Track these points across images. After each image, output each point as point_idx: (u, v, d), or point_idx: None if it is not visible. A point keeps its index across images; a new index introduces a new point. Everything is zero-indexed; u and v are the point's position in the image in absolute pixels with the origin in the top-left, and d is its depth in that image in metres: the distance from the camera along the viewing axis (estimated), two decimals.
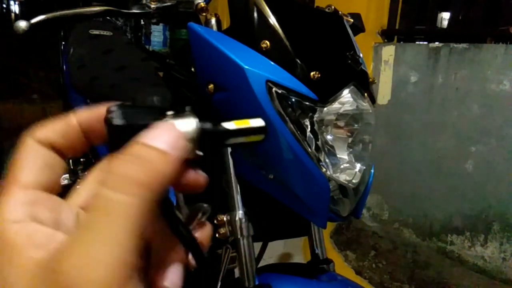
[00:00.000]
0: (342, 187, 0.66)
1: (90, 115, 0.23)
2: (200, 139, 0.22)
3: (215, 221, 0.68)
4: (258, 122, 0.24)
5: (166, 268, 0.22)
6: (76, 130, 0.23)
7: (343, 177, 0.65)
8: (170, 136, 0.21)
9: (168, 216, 0.22)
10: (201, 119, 0.23)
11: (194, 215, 0.25)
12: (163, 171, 0.20)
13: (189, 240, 0.22)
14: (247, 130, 0.24)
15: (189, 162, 0.23)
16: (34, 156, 0.22)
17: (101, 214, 0.18)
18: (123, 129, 0.21)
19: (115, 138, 0.21)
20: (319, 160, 0.62)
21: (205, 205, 0.25)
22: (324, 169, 0.62)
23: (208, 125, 0.23)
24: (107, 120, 0.21)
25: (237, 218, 0.67)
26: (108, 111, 0.21)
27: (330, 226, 2.24)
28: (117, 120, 0.21)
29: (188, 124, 0.22)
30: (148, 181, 0.19)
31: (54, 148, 0.23)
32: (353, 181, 0.66)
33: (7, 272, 0.19)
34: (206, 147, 0.23)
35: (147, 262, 0.23)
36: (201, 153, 0.22)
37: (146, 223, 0.19)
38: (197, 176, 0.23)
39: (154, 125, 0.21)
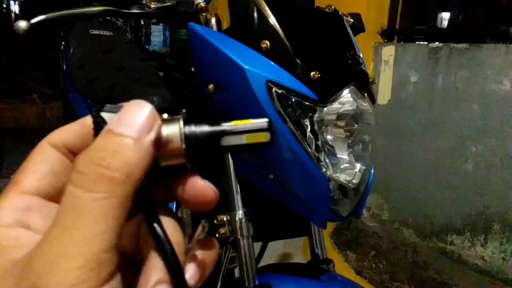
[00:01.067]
0: (342, 187, 0.66)
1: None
2: (188, 141, 0.20)
3: (215, 221, 0.68)
4: (261, 120, 0.21)
5: (154, 274, 0.20)
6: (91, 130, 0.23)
7: (343, 177, 0.65)
8: (139, 117, 0.19)
9: (144, 212, 0.20)
10: (195, 121, 0.21)
11: (194, 232, 0.23)
12: (134, 159, 0.19)
13: (163, 241, 0.20)
14: (246, 127, 0.21)
15: (193, 171, 0.21)
16: (42, 161, 0.22)
17: (70, 212, 0.18)
18: (99, 120, 0.20)
19: (96, 132, 0.20)
20: (319, 160, 0.62)
21: (204, 221, 0.23)
22: (324, 169, 0.62)
23: (200, 127, 0.21)
24: (91, 113, 0.21)
25: (237, 218, 0.67)
26: (93, 116, 0.20)
27: (330, 226, 2.24)
28: (95, 112, 0.20)
29: (172, 128, 0.20)
30: (118, 174, 0.18)
31: (71, 150, 0.22)
32: (353, 181, 0.66)
33: None
34: (197, 151, 0.21)
35: (134, 266, 0.22)
36: (186, 157, 0.21)
37: (122, 220, 0.18)
38: (205, 189, 0.22)
39: (123, 107, 0.20)
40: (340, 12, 0.74)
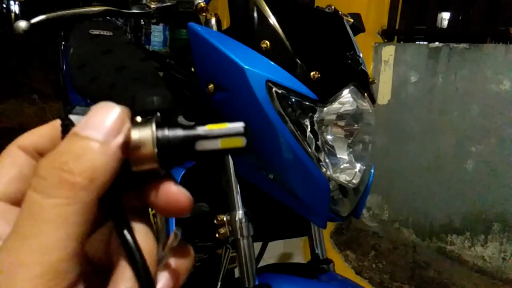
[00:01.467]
0: (342, 187, 0.66)
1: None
2: (160, 146, 0.20)
3: (215, 221, 0.68)
4: (237, 124, 0.21)
5: (122, 283, 0.19)
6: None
7: (343, 177, 0.65)
8: (106, 120, 0.18)
9: (113, 218, 0.19)
10: (169, 125, 0.20)
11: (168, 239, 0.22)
12: (99, 164, 0.18)
13: (132, 249, 0.19)
14: (221, 132, 0.20)
15: (168, 176, 0.21)
16: (10, 165, 0.21)
17: (28, 219, 0.17)
18: (67, 123, 0.20)
19: (64, 135, 0.19)
20: (319, 160, 0.62)
21: (176, 229, 0.22)
22: (324, 169, 0.62)
23: (173, 131, 0.20)
24: (59, 116, 0.20)
25: (237, 218, 0.67)
26: (61, 119, 0.20)
27: (330, 226, 2.24)
28: (63, 114, 0.20)
29: (144, 131, 0.20)
30: (81, 179, 0.17)
31: (40, 152, 0.21)
32: (353, 181, 0.66)
33: None
34: (171, 156, 0.20)
35: (104, 275, 0.20)
36: (158, 162, 0.20)
37: (85, 227, 0.17)
38: (179, 195, 0.21)
39: (91, 109, 0.19)
40: (340, 12, 0.74)
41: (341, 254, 2.09)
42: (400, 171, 2.09)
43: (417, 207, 2.03)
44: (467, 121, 1.83)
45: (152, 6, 0.74)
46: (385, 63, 2.11)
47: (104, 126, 0.18)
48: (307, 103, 0.61)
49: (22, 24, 0.67)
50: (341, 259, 2.06)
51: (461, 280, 1.80)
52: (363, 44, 1.75)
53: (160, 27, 3.74)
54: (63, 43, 1.47)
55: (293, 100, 0.60)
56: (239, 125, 0.21)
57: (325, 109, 0.63)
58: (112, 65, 1.19)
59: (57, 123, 0.21)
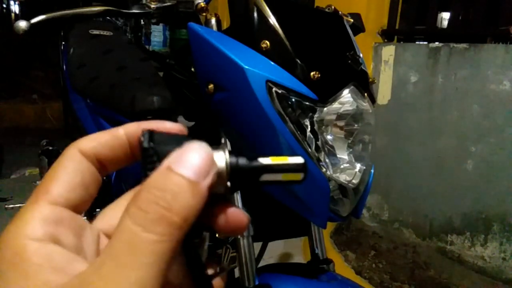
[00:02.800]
0: (342, 187, 0.66)
1: (138, 129, 0.22)
2: (232, 174, 0.21)
3: None
4: (297, 160, 0.22)
5: None
6: (123, 143, 0.22)
7: (343, 177, 0.65)
8: (198, 160, 0.19)
9: (189, 256, 0.21)
10: (235, 153, 0.21)
11: (213, 260, 0.23)
12: (193, 204, 0.18)
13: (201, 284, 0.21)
14: (284, 167, 0.22)
15: (226, 199, 0.22)
16: (73, 170, 0.21)
17: (126, 248, 0.17)
18: (152, 152, 0.20)
19: (145, 162, 0.20)
20: (319, 160, 0.62)
21: (204, 232, 0.23)
22: (324, 169, 0.62)
23: (241, 160, 0.21)
24: (140, 142, 0.21)
25: None
26: (142, 133, 0.21)
27: (330, 226, 2.24)
28: (147, 143, 0.20)
29: (219, 158, 0.21)
30: (178, 219, 0.18)
31: (99, 160, 0.22)
32: (353, 181, 0.66)
33: (22, 286, 0.17)
34: (239, 183, 0.21)
35: None
36: (228, 188, 0.21)
37: (171, 262, 0.18)
38: (240, 217, 0.22)
39: (184, 146, 0.20)
40: (340, 12, 0.74)
41: (341, 254, 2.10)
42: (400, 171, 2.09)
43: (417, 207, 2.03)
44: (467, 121, 1.83)
45: (152, 6, 0.74)
46: (385, 63, 2.11)
47: (197, 166, 0.19)
48: (307, 103, 0.61)
49: (22, 24, 0.67)
50: (341, 259, 2.06)
51: (461, 280, 1.80)
52: (363, 44, 1.75)
53: (160, 27, 3.74)
54: (63, 43, 1.47)
55: (293, 100, 0.60)
56: (300, 161, 0.22)
57: (325, 109, 0.63)
58: (112, 65, 1.19)
59: (117, 132, 0.22)
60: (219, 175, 0.21)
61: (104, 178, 0.23)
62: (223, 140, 0.22)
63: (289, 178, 0.22)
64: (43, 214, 0.19)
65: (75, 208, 0.21)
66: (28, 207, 0.20)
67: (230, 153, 0.21)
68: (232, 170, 0.21)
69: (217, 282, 0.23)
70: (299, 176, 0.22)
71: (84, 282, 0.17)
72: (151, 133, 0.21)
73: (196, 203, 0.19)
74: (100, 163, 0.22)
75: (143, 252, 0.17)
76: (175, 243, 0.18)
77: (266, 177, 0.22)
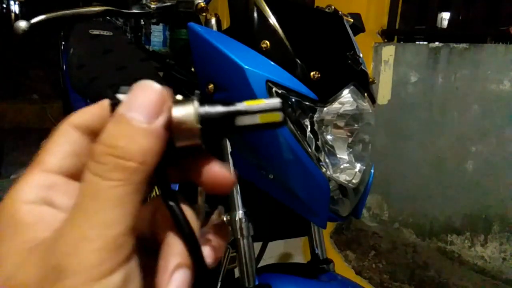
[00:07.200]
0: (342, 187, 0.66)
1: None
2: (204, 122, 0.21)
3: None
4: (274, 100, 0.22)
5: (171, 272, 0.21)
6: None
7: (343, 177, 0.65)
8: (146, 99, 0.20)
9: (163, 193, 0.21)
10: (208, 102, 0.21)
11: (209, 216, 0.23)
12: (147, 146, 0.19)
13: (182, 223, 0.21)
14: (260, 107, 0.21)
15: (208, 153, 0.22)
16: (64, 141, 0.22)
17: (89, 198, 0.19)
18: (118, 102, 0.21)
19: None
20: (319, 160, 0.62)
21: (220, 207, 0.24)
22: (324, 169, 0.62)
23: (214, 108, 0.21)
24: (108, 96, 0.21)
25: (237, 218, 0.67)
26: (109, 98, 0.21)
27: (330, 226, 2.24)
28: (112, 94, 0.21)
29: (186, 109, 0.21)
30: (133, 163, 0.19)
31: (91, 130, 0.23)
32: (353, 181, 0.66)
33: (5, 247, 0.19)
34: (213, 131, 0.21)
35: (149, 249, 0.22)
36: (201, 138, 0.21)
37: (138, 204, 0.19)
38: (224, 173, 0.22)
39: (133, 88, 0.20)
40: (340, 12, 0.74)
41: (341, 254, 2.10)
42: (400, 171, 2.09)
43: (417, 207, 2.03)
44: (467, 121, 1.83)
45: (152, 6, 0.74)
46: (385, 63, 2.11)
47: (146, 107, 0.20)
48: (307, 103, 0.61)
49: (22, 24, 0.67)
50: (341, 259, 2.06)
51: (461, 280, 1.80)
52: (363, 44, 1.75)
53: (160, 27, 3.74)
54: (63, 43, 1.47)
55: (293, 100, 0.60)
56: (276, 101, 0.22)
57: (325, 109, 0.63)
58: (112, 65, 1.19)
59: (105, 102, 0.22)
60: (188, 125, 0.20)
61: None
62: (197, 91, 0.21)
63: (267, 119, 0.21)
64: (36, 181, 0.21)
65: (72, 175, 0.22)
66: (24, 176, 0.21)
67: (201, 101, 0.21)
68: (202, 117, 0.21)
69: (218, 237, 0.24)
70: (278, 117, 0.21)
71: (58, 234, 0.19)
72: (118, 87, 0.21)
73: (151, 144, 0.19)
74: (92, 133, 0.23)
75: (103, 197, 0.18)
76: (135, 185, 0.19)
77: (242, 120, 0.21)
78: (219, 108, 0.21)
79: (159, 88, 0.21)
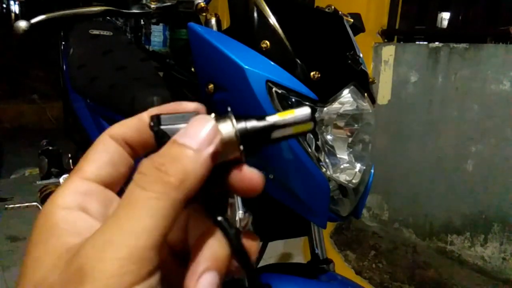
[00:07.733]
0: (342, 187, 0.66)
1: (159, 112, 0.24)
2: (243, 138, 0.22)
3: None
4: (304, 110, 0.23)
5: (199, 275, 0.21)
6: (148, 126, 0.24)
7: (343, 177, 0.65)
8: (202, 131, 0.21)
9: (210, 212, 0.22)
10: (242, 118, 0.22)
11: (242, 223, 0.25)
12: (191, 168, 0.20)
13: (239, 248, 0.22)
14: (292, 120, 0.23)
15: (239, 161, 0.22)
16: (102, 151, 0.23)
17: (125, 206, 0.19)
18: (161, 134, 0.22)
19: (158, 144, 0.22)
20: (319, 160, 0.62)
21: (249, 214, 0.25)
22: (324, 169, 0.62)
23: (250, 123, 0.22)
24: (150, 126, 0.22)
25: (237, 218, 0.67)
26: (151, 118, 0.22)
27: (330, 226, 2.24)
28: (156, 126, 0.22)
29: (227, 126, 0.22)
30: (173, 179, 0.19)
31: (128, 143, 0.24)
32: (353, 181, 0.66)
33: (39, 250, 0.20)
34: (252, 146, 0.22)
35: (179, 271, 0.23)
36: (242, 153, 0.22)
37: (171, 221, 0.19)
38: (252, 175, 0.23)
39: (191, 121, 0.22)
40: (340, 12, 0.74)
41: (341, 254, 2.10)
42: (400, 171, 2.09)
43: (417, 207, 2.03)
44: (467, 121, 1.83)
45: (152, 6, 0.74)
46: (385, 63, 2.11)
47: (199, 136, 0.21)
48: (307, 103, 0.61)
49: (22, 24, 0.67)
50: (341, 259, 2.06)
51: (461, 280, 1.80)
52: (363, 44, 1.75)
53: (160, 27, 3.74)
54: (63, 43, 1.47)
55: (293, 100, 0.60)
56: (307, 112, 0.23)
57: (325, 109, 0.63)
58: (112, 65, 1.19)
59: (142, 116, 0.24)
60: (230, 142, 0.22)
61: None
62: (229, 109, 0.22)
63: (300, 130, 0.23)
64: (74, 187, 0.22)
65: (108, 185, 0.23)
66: (64, 183, 0.23)
67: (238, 119, 0.22)
68: (242, 135, 0.22)
69: (251, 244, 0.24)
70: (309, 126, 0.23)
71: (90, 240, 0.19)
72: (158, 117, 0.22)
73: (195, 168, 0.20)
74: (129, 146, 0.24)
75: (140, 206, 0.19)
76: (171, 201, 0.19)
77: (277, 133, 0.23)
78: (255, 123, 0.22)
79: (213, 122, 0.22)
